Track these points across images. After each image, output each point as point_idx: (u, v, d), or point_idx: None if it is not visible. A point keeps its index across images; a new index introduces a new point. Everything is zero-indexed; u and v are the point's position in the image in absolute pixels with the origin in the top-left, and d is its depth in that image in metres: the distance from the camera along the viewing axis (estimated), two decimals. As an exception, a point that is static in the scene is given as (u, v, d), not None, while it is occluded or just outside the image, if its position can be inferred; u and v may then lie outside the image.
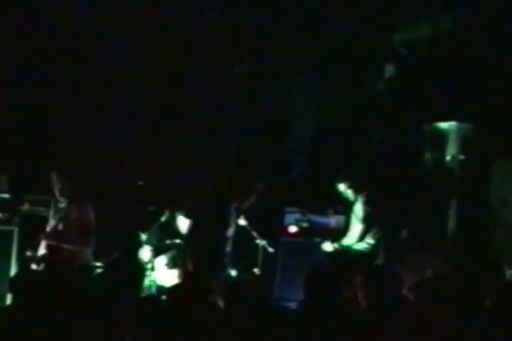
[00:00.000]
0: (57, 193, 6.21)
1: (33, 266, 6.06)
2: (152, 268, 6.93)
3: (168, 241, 7.21)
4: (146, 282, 6.83)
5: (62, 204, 6.21)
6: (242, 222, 6.77)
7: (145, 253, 7.02)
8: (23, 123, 7.80)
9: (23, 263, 6.49)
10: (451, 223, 7.77)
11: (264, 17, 8.02)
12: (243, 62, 8.26)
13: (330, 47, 8.17)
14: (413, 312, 3.80)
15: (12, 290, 3.91)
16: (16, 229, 7.04)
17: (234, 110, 8.35)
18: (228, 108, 8.33)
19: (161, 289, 6.83)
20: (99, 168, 7.86)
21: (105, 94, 7.97)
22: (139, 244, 7.07)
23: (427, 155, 7.93)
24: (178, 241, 7.12)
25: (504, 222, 7.81)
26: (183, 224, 7.11)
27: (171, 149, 8.27)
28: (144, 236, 7.07)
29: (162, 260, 7.07)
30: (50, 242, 6.13)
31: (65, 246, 6.04)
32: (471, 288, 4.20)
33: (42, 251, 6.19)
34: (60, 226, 6.15)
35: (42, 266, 6.01)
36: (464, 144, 7.75)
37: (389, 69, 8.38)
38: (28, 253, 6.27)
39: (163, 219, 7.18)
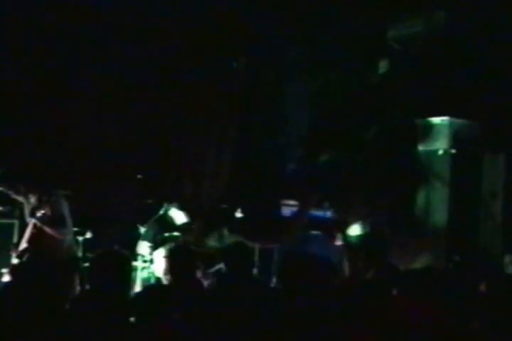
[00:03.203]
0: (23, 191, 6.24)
1: (15, 261, 6.08)
2: (151, 261, 7.02)
3: (166, 234, 7.29)
4: (145, 274, 6.95)
5: (32, 200, 6.22)
6: (238, 214, 6.88)
7: (143, 245, 7.11)
8: (22, 117, 7.84)
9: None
10: (443, 215, 7.90)
11: (261, 14, 8.08)
12: (240, 58, 8.34)
13: (325, 44, 8.25)
14: (400, 303, 3.89)
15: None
16: (16, 222, 7.12)
17: (231, 104, 8.43)
18: (226, 103, 8.42)
19: (159, 281, 6.92)
20: (98, 161, 7.94)
21: (104, 88, 8.03)
22: (138, 237, 7.15)
23: (420, 149, 8.06)
24: (176, 233, 7.22)
25: (494, 214, 7.96)
26: (177, 216, 7.22)
27: (170, 142, 8.36)
28: (142, 229, 7.15)
29: (160, 252, 7.15)
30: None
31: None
32: (462, 279, 4.29)
33: (23, 245, 6.24)
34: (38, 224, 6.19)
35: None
36: (456, 139, 7.86)
37: (383, 65, 8.48)
38: (13, 254, 6.30)
39: (161, 212, 7.26)
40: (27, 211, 6.26)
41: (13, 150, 7.60)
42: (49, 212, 6.08)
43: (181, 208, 7.24)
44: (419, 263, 6.99)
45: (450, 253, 7.39)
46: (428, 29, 7.99)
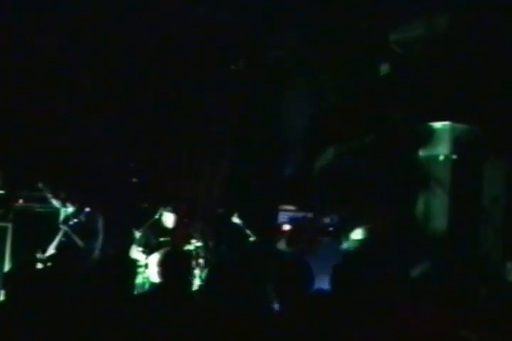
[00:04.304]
0: (62, 200, 6.33)
1: (40, 266, 6.05)
2: (146, 266, 6.93)
3: (161, 239, 7.20)
4: (140, 279, 6.86)
5: (69, 209, 6.31)
6: (235, 220, 6.80)
7: (137, 250, 7.02)
8: (20, 120, 7.79)
9: (32, 263, 6.49)
10: (443, 221, 7.84)
11: (260, 16, 8.04)
12: (240, 59, 8.30)
13: (325, 47, 8.21)
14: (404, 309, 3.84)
15: (5, 287, 3.88)
16: (10, 225, 7.05)
17: (229, 109, 8.38)
18: (224, 107, 8.37)
19: (154, 286, 6.83)
20: (95, 165, 7.88)
21: (102, 93, 7.97)
22: (133, 241, 7.07)
23: (421, 155, 8.00)
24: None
25: (494, 220, 7.91)
26: (170, 220, 7.15)
27: (167, 147, 8.31)
28: (137, 234, 7.06)
29: (155, 257, 7.06)
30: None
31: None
32: (462, 286, 4.25)
33: (51, 251, 6.23)
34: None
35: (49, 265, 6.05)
36: (457, 144, 7.81)
37: (384, 69, 8.42)
38: (39, 255, 6.27)
39: (156, 216, 7.19)
40: (61, 217, 6.36)
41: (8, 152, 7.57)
42: (83, 223, 6.18)
43: (174, 211, 7.17)
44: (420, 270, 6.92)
45: (450, 260, 7.32)
46: (429, 32, 7.93)
